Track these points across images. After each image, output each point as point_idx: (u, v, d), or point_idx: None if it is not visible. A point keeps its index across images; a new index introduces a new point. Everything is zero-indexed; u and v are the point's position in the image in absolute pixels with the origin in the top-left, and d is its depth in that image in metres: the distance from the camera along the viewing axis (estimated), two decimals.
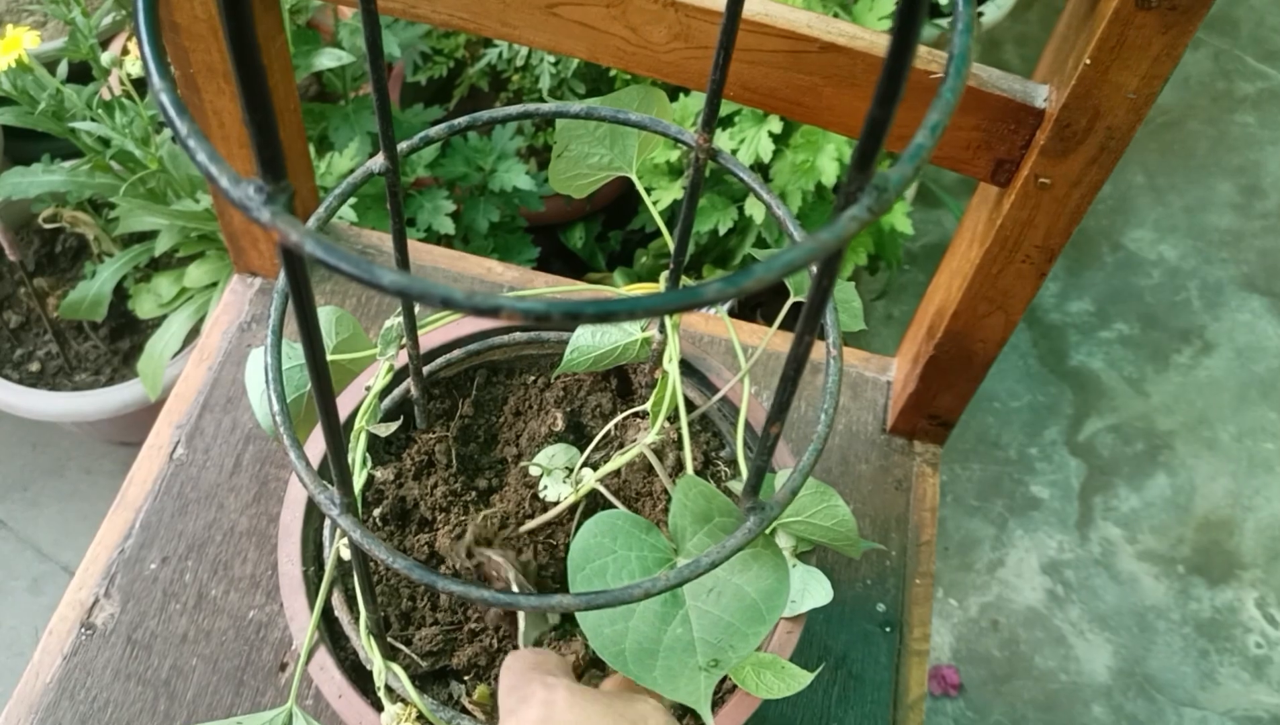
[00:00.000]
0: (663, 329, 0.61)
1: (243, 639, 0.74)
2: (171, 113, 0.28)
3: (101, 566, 0.76)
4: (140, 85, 0.98)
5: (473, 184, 1.14)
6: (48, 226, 1.17)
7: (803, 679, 0.55)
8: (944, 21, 1.51)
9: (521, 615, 0.57)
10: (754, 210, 1.16)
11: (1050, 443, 1.50)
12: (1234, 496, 1.48)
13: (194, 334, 1.10)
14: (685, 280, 0.62)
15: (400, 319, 0.59)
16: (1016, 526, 1.43)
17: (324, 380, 0.36)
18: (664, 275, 0.60)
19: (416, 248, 0.90)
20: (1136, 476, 1.48)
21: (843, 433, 0.85)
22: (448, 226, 1.08)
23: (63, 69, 0.98)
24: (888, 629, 0.78)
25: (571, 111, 0.54)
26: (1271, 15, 1.94)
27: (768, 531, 0.49)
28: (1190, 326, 1.61)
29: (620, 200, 1.30)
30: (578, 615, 0.44)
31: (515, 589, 0.56)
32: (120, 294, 1.17)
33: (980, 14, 1.56)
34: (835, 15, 1.20)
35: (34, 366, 1.19)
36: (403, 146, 0.51)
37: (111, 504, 0.77)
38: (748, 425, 0.61)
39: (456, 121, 0.52)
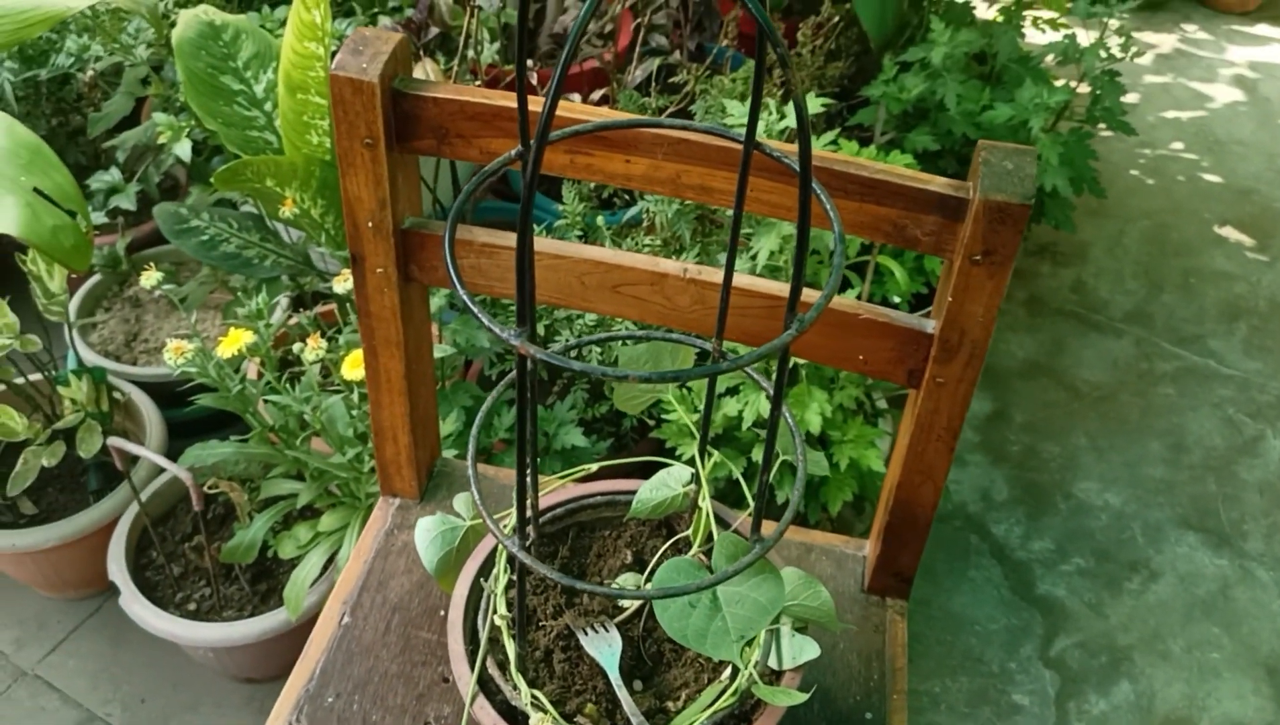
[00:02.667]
0: (698, 483, 0.93)
1: None
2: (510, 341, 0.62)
3: (292, 701, 1.04)
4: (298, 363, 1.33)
5: (540, 446, 1.48)
6: (208, 493, 1.50)
7: (800, 698, 0.82)
8: None
9: None
10: (759, 457, 1.49)
11: (1026, 658, 1.76)
12: (1189, 699, 1.72)
13: (328, 566, 1.41)
14: (705, 479, 0.94)
15: None
16: None
17: (532, 446, 0.68)
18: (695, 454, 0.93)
19: (510, 474, 1.23)
20: (1103, 684, 1.73)
21: (832, 592, 1.14)
22: None
23: (244, 366, 1.34)
24: None
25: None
26: (1180, 309, 2.34)
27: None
28: (1137, 559, 1.90)
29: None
30: (658, 615, 0.73)
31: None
32: (261, 547, 1.48)
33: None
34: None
35: (191, 607, 1.49)
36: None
37: None
38: None
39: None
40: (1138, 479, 2.02)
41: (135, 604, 1.45)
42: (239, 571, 1.51)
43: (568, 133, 0.73)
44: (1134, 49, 1.89)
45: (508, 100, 0.91)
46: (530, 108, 0.78)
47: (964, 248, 0.87)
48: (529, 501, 0.74)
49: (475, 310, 0.61)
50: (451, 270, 0.64)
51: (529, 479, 0.72)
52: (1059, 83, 1.90)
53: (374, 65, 0.88)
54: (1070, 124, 1.98)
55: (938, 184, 0.88)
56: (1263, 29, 3.26)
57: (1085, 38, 1.98)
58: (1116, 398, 2.16)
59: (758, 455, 1.48)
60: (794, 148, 0.89)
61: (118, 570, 1.48)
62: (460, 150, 0.93)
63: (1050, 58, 1.98)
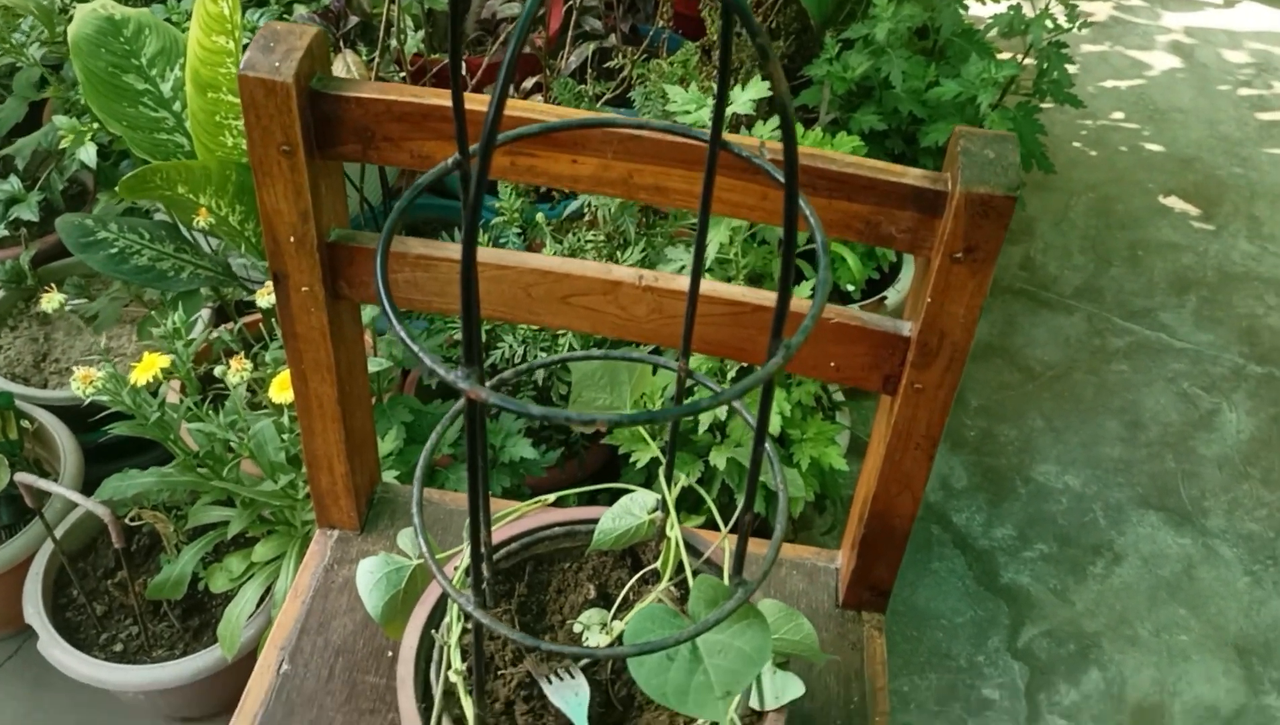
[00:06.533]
0: (665, 511, 0.85)
1: None
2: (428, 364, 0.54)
3: None
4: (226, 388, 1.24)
5: (487, 460, 1.40)
6: (131, 524, 1.40)
7: None
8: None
9: None
10: (717, 461, 1.42)
11: (994, 650, 1.71)
12: (1160, 685, 1.69)
13: (264, 598, 1.31)
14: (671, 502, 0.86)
15: None
16: None
17: (483, 496, 0.60)
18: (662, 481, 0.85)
19: (456, 498, 1.15)
20: (1073, 673, 1.69)
21: (805, 609, 1.07)
22: None
23: (162, 389, 1.24)
24: None
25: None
26: (1129, 283, 2.31)
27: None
28: (1100, 542, 1.86)
29: (606, 465, 1.55)
30: (633, 671, 0.66)
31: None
32: (191, 579, 1.38)
33: (884, 297, 1.89)
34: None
35: (118, 647, 1.39)
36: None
37: None
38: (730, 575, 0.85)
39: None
40: (1096, 459, 1.98)
41: (56, 649, 1.35)
42: (168, 607, 1.41)
43: (512, 136, 0.65)
44: (1080, 19, 1.84)
45: (439, 98, 0.82)
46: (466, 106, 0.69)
47: (944, 245, 0.80)
48: (484, 551, 0.66)
49: (418, 350, 0.53)
50: (395, 324, 0.56)
51: (484, 533, 0.64)
52: (1003, 56, 1.85)
53: (288, 64, 0.79)
54: (1017, 98, 1.93)
55: (913, 176, 0.81)
56: None
57: (1028, 8, 1.93)
58: (1070, 376, 2.12)
59: (716, 459, 1.41)
60: (753, 140, 0.82)
61: (35, 613, 1.37)
62: (388, 155, 0.85)
63: (994, 30, 1.92)
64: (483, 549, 0.65)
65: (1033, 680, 1.68)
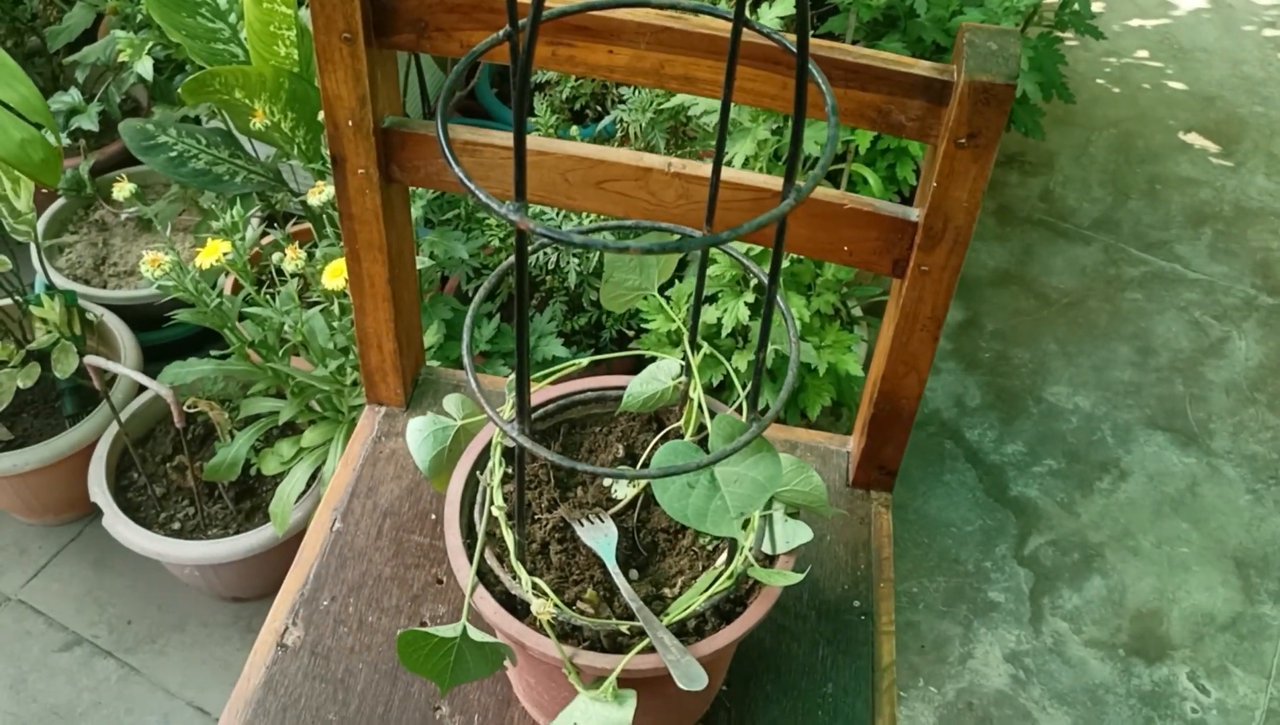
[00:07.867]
0: (689, 375, 0.93)
1: (393, 648, 1.02)
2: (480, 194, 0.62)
3: (288, 605, 1.04)
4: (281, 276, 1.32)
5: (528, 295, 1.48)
6: (187, 413, 1.50)
7: (795, 578, 0.84)
8: None
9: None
10: (739, 363, 1.50)
11: (1001, 557, 1.79)
12: (1159, 592, 1.76)
13: (312, 481, 1.41)
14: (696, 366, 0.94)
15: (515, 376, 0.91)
16: (980, 625, 1.71)
17: (523, 316, 0.68)
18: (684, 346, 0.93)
19: (493, 381, 1.23)
20: (1076, 580, 1.77)
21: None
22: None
23: (220, 281, 1.33)
24: (864, 617, 1.07)
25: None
26: (1146, 215, 2.36)
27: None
28: (1107, 459, 1.93)
29: (633, 370, 1.64)
30: (657, 494, 0.74)
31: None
32: (244, 464, 1.48)
33: None
34: None
35: (175, 525, 1.49)
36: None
37: (228, 648, 1.06)
38: None
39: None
40: (1106, 382, 2.05)
41: (119, 524, 1.45)
42: (222, 490, 1.51)
43: (555, 13, 0.72)
44: None
45: None
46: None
47: (949, 131, 0.87)
48: (526, 390, 0.74)
49: (472, 186, 0.61)
50: (445, 148, 0.63)
51: (526, 363, 0.72)
52: None
53: None
54: (1039, 29, 1.98)
55: (922, 67, 0.88)
56: None
57: None
58: (1085, 303, 2.18)
59: (739, 361, 1.49)
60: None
61: (100, 492, 1.47)
62: (440, 44, 0.92)
63: None
64: (527, 385, 0.73)
65: (1037, 585, 1.76)
